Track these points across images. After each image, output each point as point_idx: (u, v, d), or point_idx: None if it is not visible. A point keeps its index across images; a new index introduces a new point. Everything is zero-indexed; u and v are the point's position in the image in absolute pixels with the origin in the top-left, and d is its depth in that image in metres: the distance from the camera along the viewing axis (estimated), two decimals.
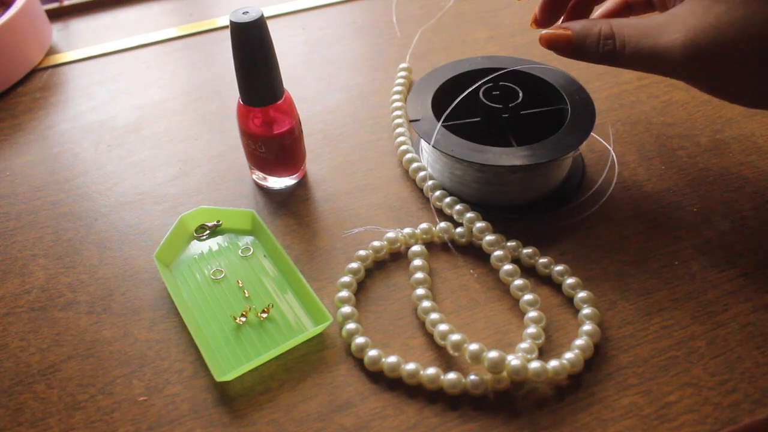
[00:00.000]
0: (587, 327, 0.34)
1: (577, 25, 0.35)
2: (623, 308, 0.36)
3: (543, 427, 0.31)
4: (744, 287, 0.37)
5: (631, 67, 0.34)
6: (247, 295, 0.38)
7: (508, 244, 0.39)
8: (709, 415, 0.31)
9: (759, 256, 0.38)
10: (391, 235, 0.39)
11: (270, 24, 0.39)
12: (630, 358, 0.34)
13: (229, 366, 0.34)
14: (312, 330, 0.35)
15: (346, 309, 0.36)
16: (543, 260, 0.38)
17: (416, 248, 0.39)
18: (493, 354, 0.32)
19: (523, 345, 0.33)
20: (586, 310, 0.35)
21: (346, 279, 0.37)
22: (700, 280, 0.37)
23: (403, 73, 0.53)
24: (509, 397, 0.33)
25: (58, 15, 0.65)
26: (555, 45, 0.36)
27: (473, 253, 0.40)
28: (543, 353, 0.34)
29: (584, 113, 0.41)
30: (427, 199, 0.43)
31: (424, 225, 0.40)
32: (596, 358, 0.34)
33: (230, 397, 0.33)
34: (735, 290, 0.36)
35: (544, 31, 0.37)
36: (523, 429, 0.31)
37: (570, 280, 0.36)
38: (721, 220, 0.40)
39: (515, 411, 0.32)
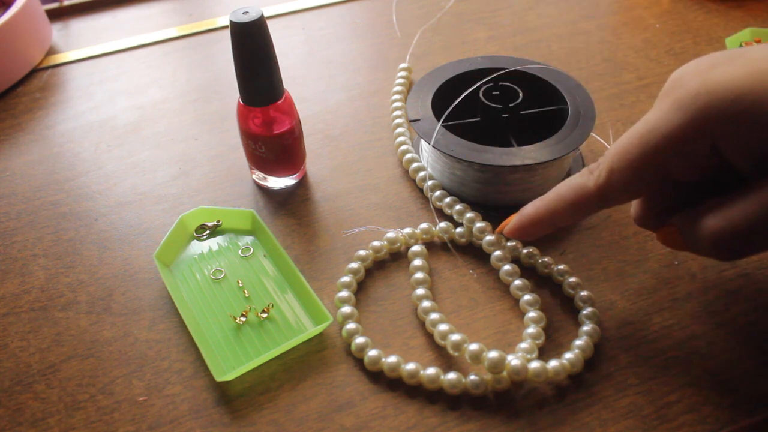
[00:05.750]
0: (587, 327, 0.34)
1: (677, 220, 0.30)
2: (623, 308, 0.36)
3: (543, 427, 0.31)
4: (744, 287, 0.36)
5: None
6: (247, 295, 0.38)
7: (508, 244, 0.39)
8: (709, 415, 0.31)
9: (759, 256, 0.38)
10: (391, 235, 0.39)
11: (270, 24, 0.39)
12: (630, 358, 0.34)
13: (229, 366, 0.34)
14: (312, 330, 0.35)
15: (346, 309, 0.36)
16: (543, 260, 0.38)
17: (416, 248, 0.39)
18: (493, 354, 0.32)
19: (523, 345, 0.33)
20: (586, 310, 0.35)
21: (346, 279, 0.37)
22: (700, 280, 0.37)
23: (403, 74, 0.53)
24: (509, 397, 0.33)
25: (58, 15, 0.65)
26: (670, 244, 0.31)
27: (473, 253, 0.40)
28: (543, 353, 0.34)
29: (584, 113, 0.41)
30: (427, 199, 0.43)
31: (424, 225, 0.40)
32: (596, 358, 0.34)
33: (230, 397, 0.33)
34: (735, 290, 0.36)
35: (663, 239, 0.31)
36: (524, 429, 0.31)
37: (570, 279, 0.36)
38: None
39: (515, 411, 0.32)
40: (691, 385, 0.32)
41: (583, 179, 0.31)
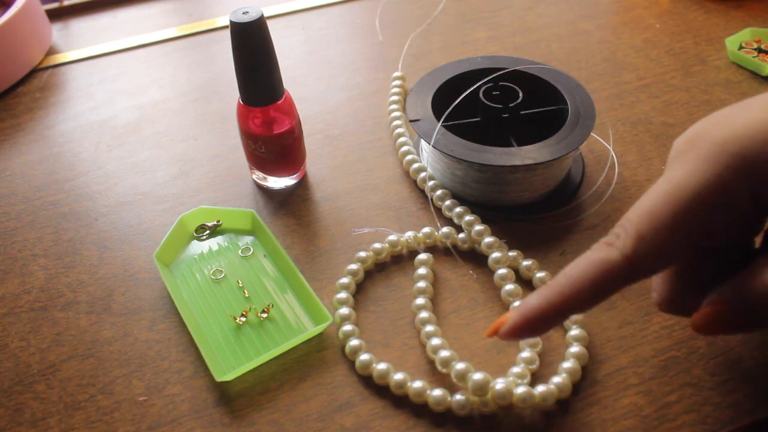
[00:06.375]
0: (575, 349, 0.33)
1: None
2: (623, 308, 0.36)
3: (542, 427, 0.31)
4: None
5: None
6: (247, 295, 0.38)
7: (510, 253, 0.38)
8: (709, 415, 0.31)
9: None
10: (392, 237, 0.39)
11: (270, 24, 0.39)
12: (630, 358, 0.34)
13: (229, 366, 0.34)
14: (312, 330, 0.35)
15: (344, 310, 0.36)
16: (540, 275, 0.37)
17: (423, 256, 0.38)
18: (477, 376, 0.31)
19: (516, 369, 0.32)
20: (574, 332, 0.34)
21: (344, 280, 0.37)
22: None
23: (397, 82, 0.52)
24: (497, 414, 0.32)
25: (58, 15, 0.65)
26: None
27: (475, 258, 0.40)
28: (536, 379, 0.33)
29: (584, 113, 0.41)
30: (427, 199, 0.43)
31: (426, 229, 0.40)
32: (595, 358, 0.34)
33: (230, 397, 0.33)
34: None
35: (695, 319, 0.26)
36: (524, 429, 0.31)
37: None
38: None
39: (515, 411, 0.32)
40: (691, 385, 0.32)
41: (604, 253, 0.26)
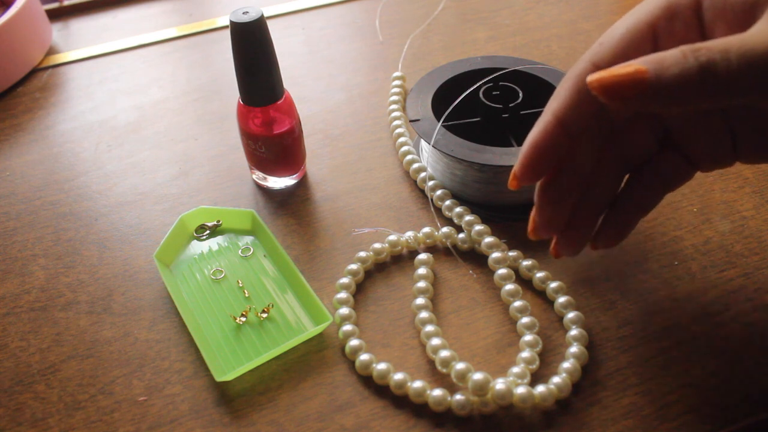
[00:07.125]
0: (575, 349, 0.33)
1: (643, 58, 0.25)
2: (623, 308, 0.36)
3: (542, 427, 0.31)
4: (744, 287, 0.37)
5: (734, 86, 0.24)
6: (247, 295, 0.38)
7: (510, 253, 0.38)
8: (709, 415, 0.31)
9: (759, 256, 0.38)
10: (392, 237, 0.39)
11: (270, 24, 0.39)
12: (630, 358, 0.34)
13: (229, 366, 0.34)
14: (312, 330, 0.35)
15: (344, 310, 0.36)
16: (540, 275, 0.37)
17: (423, 256, 0.38)
18: (477, 376, 0.31)
19: (516, 369, 0.32)
20: (574, 332, 0.34)
21: (344, 280, 0.37)
22: (700, 280, 0.37)
23: (397, 82, 0.52)
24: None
25: (58, 15, 0.65)
26: (619, 89, 0.25)
27: (475, 258, 0.40)
28: (537, 379, 0.33)
29: None
30: (427, 200, 0.43)
31: (426, 229, 0.40)
32: (595, 358, 0.34)
33: (230, 397, 0.33)
34: (735, 290, 0.36)
35: (592, 76, 0.25)
36: (524, 429, 0.31)
37: (561, 299, 0.35)
38: (721, 220, 0.40)
39: (515, 411, 0.32)
40: (691, 385, 0.32)
41: (575, 67, 0.29)
